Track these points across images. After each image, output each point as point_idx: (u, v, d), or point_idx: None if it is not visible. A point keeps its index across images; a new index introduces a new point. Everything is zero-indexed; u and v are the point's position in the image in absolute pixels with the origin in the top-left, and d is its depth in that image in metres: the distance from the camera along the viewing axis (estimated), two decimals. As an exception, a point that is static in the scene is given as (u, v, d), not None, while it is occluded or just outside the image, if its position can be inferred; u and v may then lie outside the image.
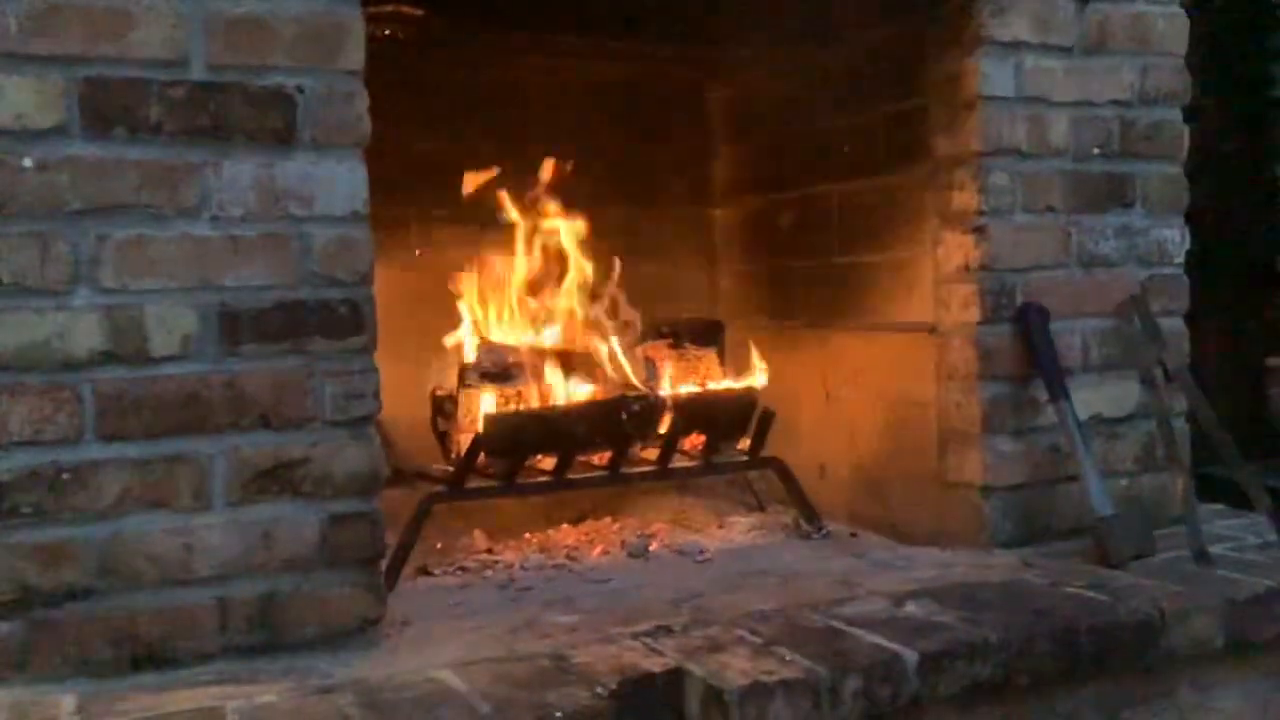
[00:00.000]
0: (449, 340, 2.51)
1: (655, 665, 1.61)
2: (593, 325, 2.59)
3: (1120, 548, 2.12)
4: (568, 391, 2.46)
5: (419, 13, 2.31)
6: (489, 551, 2.38)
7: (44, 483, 1.60)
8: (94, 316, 1.62)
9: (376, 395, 1.77)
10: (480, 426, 2.27)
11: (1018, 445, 2.26)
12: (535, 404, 2.40)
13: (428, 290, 2.56)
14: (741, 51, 2.73)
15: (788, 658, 1.64)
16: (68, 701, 1.55)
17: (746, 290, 2.97)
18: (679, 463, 2.47)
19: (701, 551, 2.36)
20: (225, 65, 1.67)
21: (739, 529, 2.54)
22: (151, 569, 1.65)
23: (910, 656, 1.66)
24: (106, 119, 1.62)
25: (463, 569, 2.27)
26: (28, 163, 1.59)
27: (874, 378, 2.51)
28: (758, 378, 2.57)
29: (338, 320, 1.74)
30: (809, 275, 2.72)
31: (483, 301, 2.58)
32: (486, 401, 2.35)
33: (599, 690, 1.54)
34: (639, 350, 2.60)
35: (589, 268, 2.63)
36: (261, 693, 1.57)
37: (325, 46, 1.72)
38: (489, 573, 2.25)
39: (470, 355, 2.44)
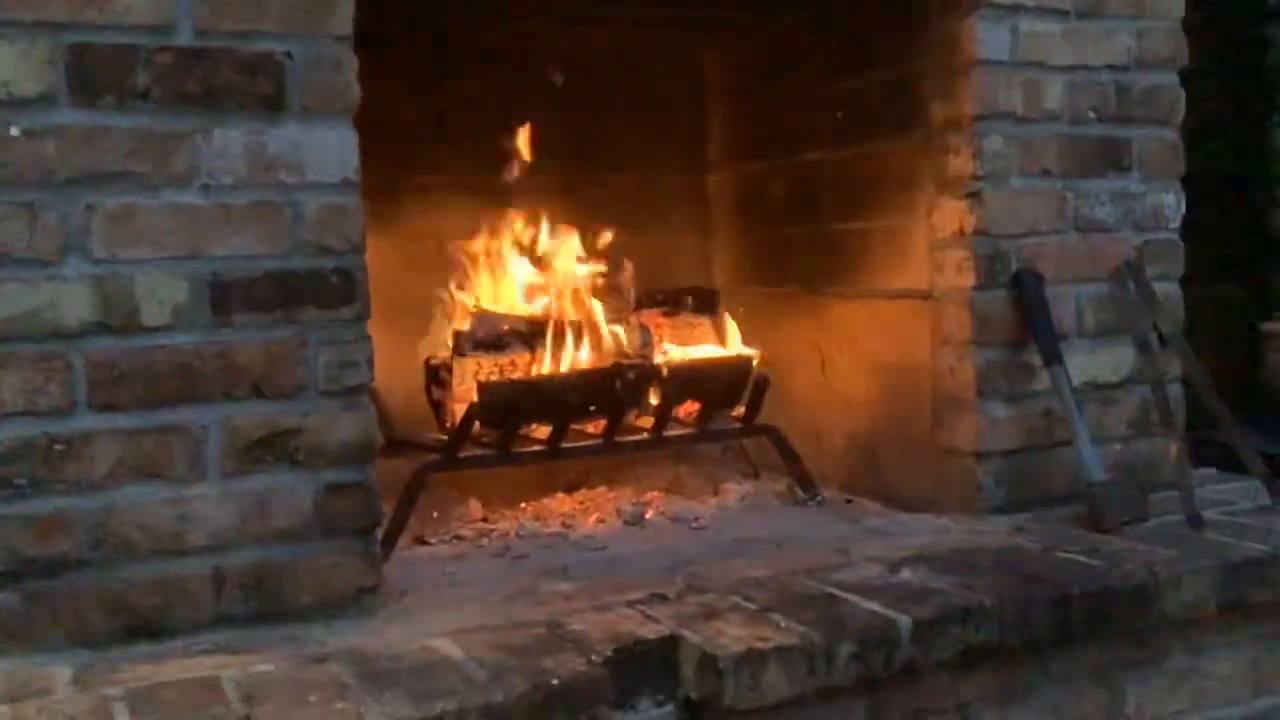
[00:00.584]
0: (443, 309, 2.50)
1: (650, 632, 1.62)
2: (587, 293, 2.58)
3: (1114, 513, 2.12)
4: (562, 360, 2.45)
5: (409, -23, 2.29)
6: (484, 520, 2.38)
7: (37, 453, 1.59)
8: (84, 287, 1.61)
9: (370, 364, 1.77)
10: (475, 395, 2.26)
11: (1012, 411, 2.26)
12: (530, 373, 2.40)
13: (422, 258, 2.56)
14: (735, 16, 2.71)
15: (782, 624, 1.65)
16: (64, 672, 1.55)
17: (741, 257, 2.96)
18: (674, 431, 2.47)
19: (696, 519, 2.36)
20: (213, 31, 1.65)
21: (734, 496, 2.54)
22: (146, 539, 1.65)
23: (904, 622, 1.67)
24: (94, 86, 1.60)
25: (458, 538, 2.27)
26: (15, 131, 1.57)
27: (869, 344, 2.50)
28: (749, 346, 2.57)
29: (330, 289, 1.73)
30: (804, 242, 2.71)
31: (476, 270, 2.57)
32: (481, 371, 2.35)
33: (594, 657, 1.54)
34: (633, 318, 2.59)
35: (582, 235, 2.62)
36: (257, 662, 1.57)
37: (314, 12, 1.70)
38: (485, 541, 2.25)
39: (464, 324, 2.44)
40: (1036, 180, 2.28)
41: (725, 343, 2.64)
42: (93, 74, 1.60)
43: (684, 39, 2.91)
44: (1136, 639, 1.90)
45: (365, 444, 1.77)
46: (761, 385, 2.48)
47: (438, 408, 2.42)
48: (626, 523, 2.35)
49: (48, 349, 1.59)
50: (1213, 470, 2.52)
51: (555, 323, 2.47)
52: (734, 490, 2.57)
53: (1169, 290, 2.42)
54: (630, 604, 1.76)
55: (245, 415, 1.69)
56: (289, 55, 1.69)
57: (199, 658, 1.60)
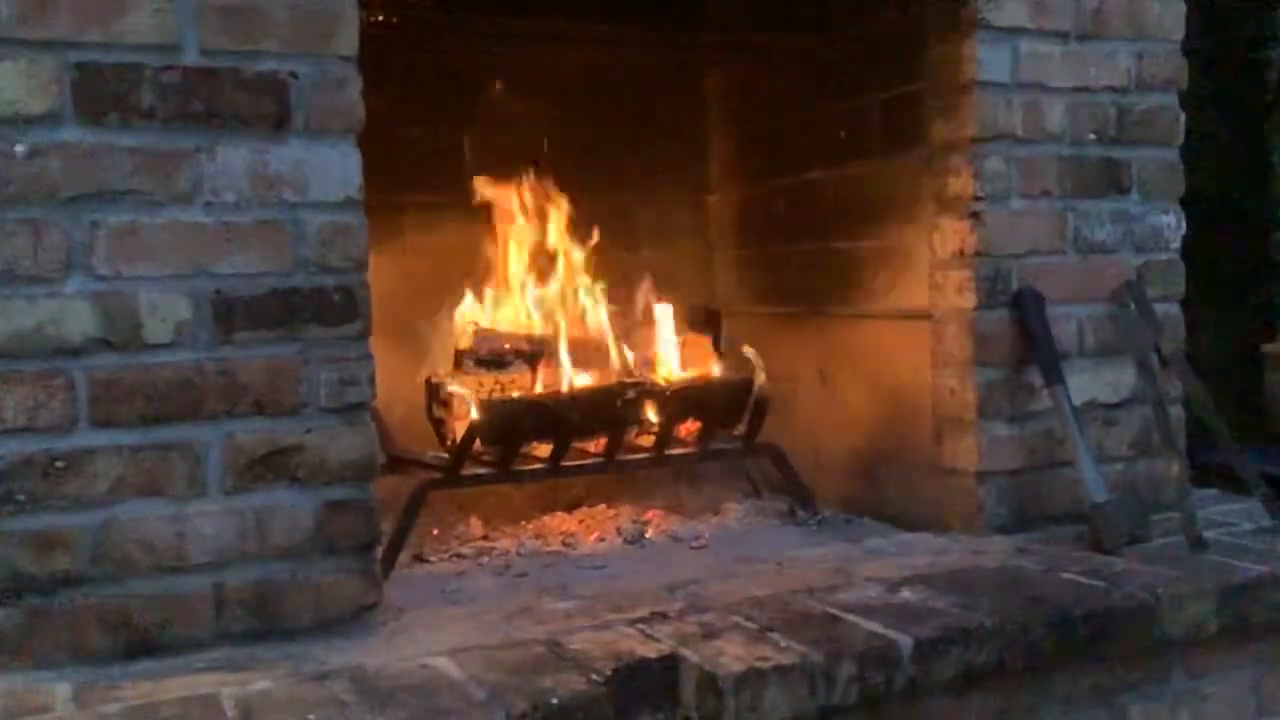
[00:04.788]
0: (444, 326, 2.51)
1: (651, 652, 1.62)
2: (588, 312, 2.58)
3: (1115, 533, 2.12)
4: (563, 378, 2.45)
5: (413, -3, 2.30)
6: (485, 538, 2.38)
7: (38, 470, 1.59)
8: (87, 303, 1.61)
9: (371, 382, 1.77)
10: (476, 413, 2.26)
11: (1013, 431, 2.26)
12: (531, 391, 2.40)
13: (423, 277, 2.56)
14: (738, 37, 2.72)
15: (783, 644, 1.65)
16: (63, 689, 1.54)
17: (742, 276, 2.97)
18: (675, 449, 2.47)
19: (697, 538, 2.36)
20: (219, 50, 1.66)
21: (734, 515, 2.54)
22: (146, 556, 1.65)
23: (905, 642, 1.66)
24: (99, 105, 1.61)
25: (459, 556, 2.27)
26: (20, 149, 1.58)
27: (870, 363, 2.51)
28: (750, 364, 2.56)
29: (332, 307, 1.74)
30: (805, 261, 2.71)
31: (478, 288, 2.58)
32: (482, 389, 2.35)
33: (594, 677, 1.54)
34: (635, 337, 2.60)
35: (583, 254, 2.63)
36: (257, 680, 1.56)
37: (319, 32, 1.71)
38: (485, 559, 2.25)
39: (466, 341, 2.44)
40: (1037, 201, 2.29)
41: (725, 361, 2.63)
42: (98, 92, 1.61)
43: (685, 59, 2.92)
44: (1138, 660, 1.89)
45: (366, 462, 1.77)
46: (762, 404, 2.48)
47: (438, 426, 2.43)
48: (627, 541, 2.35)
49: (50, 365, 1.60)
50: (1214, 491, 2.51)
51: (556, 341, 2.48)
52: (734, 509, 2.57)
53: (1170, 310, 2.43)
54: (630, 623, 1.75)
55: (246, 432, 1.69)
56: (294, 75, 1.70)
57: (199, 675, 1.59)
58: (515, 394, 2.37)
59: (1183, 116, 2.43)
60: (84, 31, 1.60)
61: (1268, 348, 3.49)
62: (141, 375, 1.64)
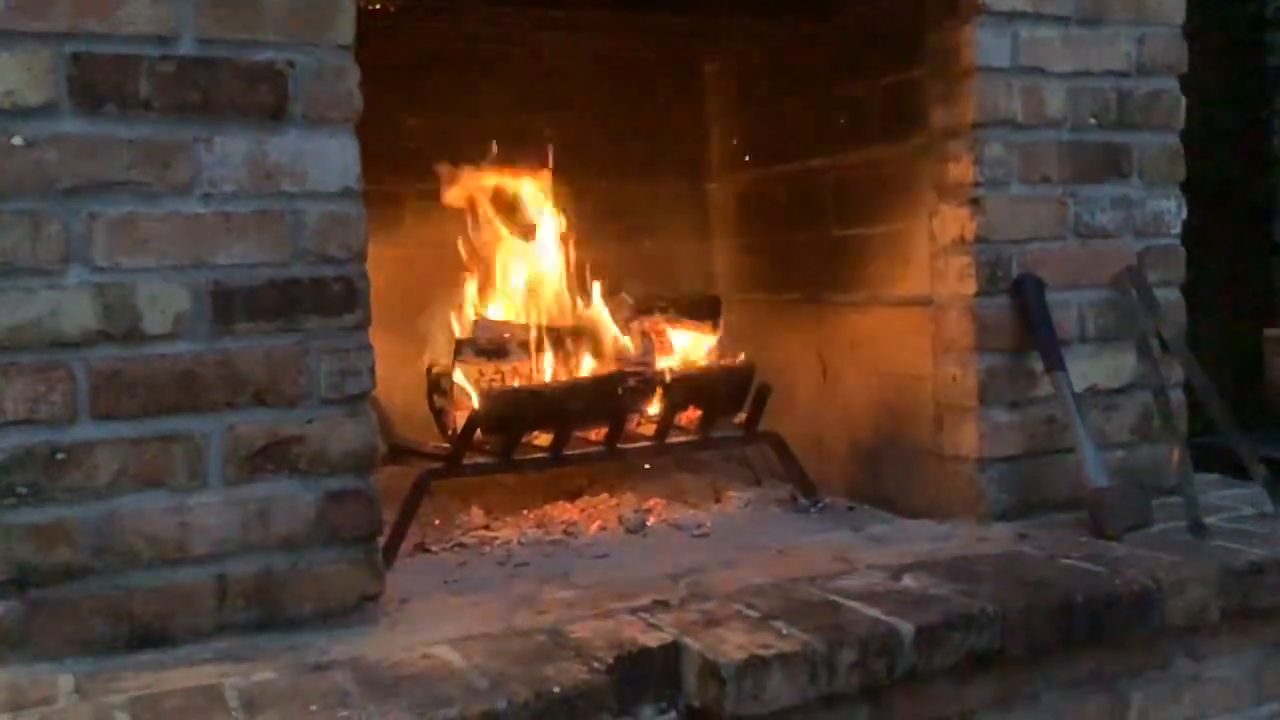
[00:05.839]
0: (444, 316, 2.51)
1: (652, 640, 1.62)
2: (588, 300, 2.58)
3: (1116, 519, 2.12)
4: (564, 367, 2.45)
5: (410, -14, 2.29)
6: (486, 528, 2.38)
7: (39, 462, 1.59)
8: (86, 295, 1.61)
9: (371, 372, 1.77)
10: (477, 403, 2.26)
11: (1014, 417, 2.26)
12: (532, 380, 2.40)
13: (423, 267, 2.56)
14: (737, 24, 2.71)
15: (784, 631, 1.65)
16: (66, 681, 1.55)
17: (743, 264, 2.96)
18: (676, 438, 2.47)
19: (698, 526, 2.36)
20: (215, 40, 1.66)
21: (736, 503, 2.54)
22: (148, 548, 1.65)
23: (907, 629, 1.66)
24: (96, 96, 1.61)
25: (460, 545, 2.27)
26: (18, 140, 1.57)
27: (870, 350, 2.50)
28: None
29: (332, 297, 1.73)
30: (805, 248, 2.71)
31: (478, 278, 2.58)
32: (482, 378, 2.35)
33: (596, 665, 1.54)
34: (635, 325, 2.59)
35: (583, 242, 2.62)
36: (259, 670, 1.57)
37: (315, 21, 1.71)
38: (486, 549, 2.25)
39: (466, 332, 2.44)
40: (1037, 186, 2.28)
41: (726, 349, 2.63)
42: (95, 83, 1.60)
43: (685, 46, 2.92)
44: (1139, 645, 1.90)
45: (367, 452, 1.77)
46: (763, 392, 2.48)
47: (439, 415, 2.43)
48: (628, 530, 2.35)
49: (50, 358, 1.59)
50: (1215, 476, 2.51)
51: (557, 330, 2.48)
52: (736, 497, 2.57)
53: (1170, 296, 2.42)
54: (632, 611, 1.75)
55: (247, 423, 1.69)
56: (291, 65, 1.70)
57: (201, 666, 1.59)
58: (516, 383, 2.37)
59: (1184, 101, 2.43)
60: (81, 22, 1.59)
61: (1269, 332, 3.48)
62: (142, 367, 1.64)
